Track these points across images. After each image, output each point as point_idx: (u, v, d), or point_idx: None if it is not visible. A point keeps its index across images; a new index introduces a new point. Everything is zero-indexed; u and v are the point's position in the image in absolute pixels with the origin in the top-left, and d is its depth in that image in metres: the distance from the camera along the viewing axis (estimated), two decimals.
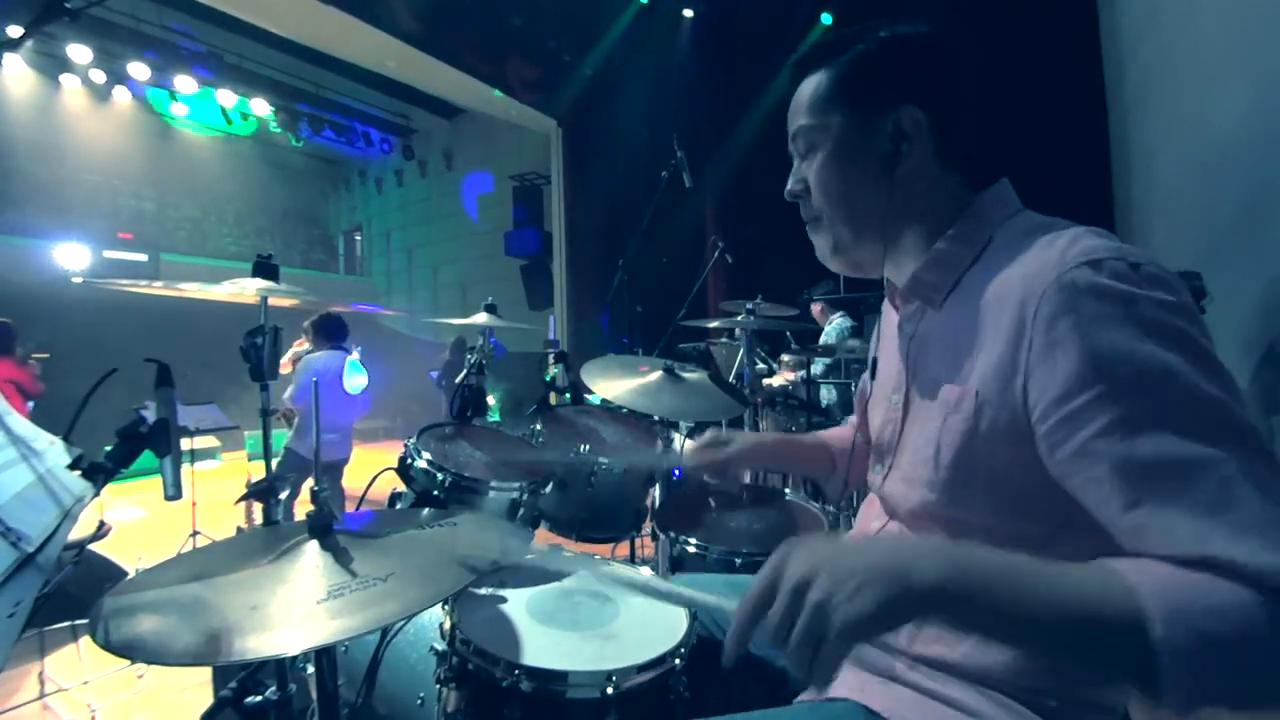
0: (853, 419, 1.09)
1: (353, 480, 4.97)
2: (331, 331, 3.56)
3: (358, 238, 13.42)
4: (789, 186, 0.81)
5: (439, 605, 0.97)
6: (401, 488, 1.41)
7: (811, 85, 0.76)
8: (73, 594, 2.16)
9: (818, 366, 3.80)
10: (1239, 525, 0.48)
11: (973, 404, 0.65)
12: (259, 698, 1.05)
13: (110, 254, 8.68)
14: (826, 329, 4.03)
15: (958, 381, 0.68)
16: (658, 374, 1.74)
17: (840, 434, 1.13)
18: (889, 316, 0.88)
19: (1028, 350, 0.60)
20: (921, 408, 0.74)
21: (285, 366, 3.63)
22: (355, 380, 3.66)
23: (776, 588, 0.51)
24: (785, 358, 3.75)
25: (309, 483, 3.52)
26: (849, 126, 0.74)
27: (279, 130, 8.97)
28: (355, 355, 3.72)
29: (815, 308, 4.15)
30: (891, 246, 0.77)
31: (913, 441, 0.74)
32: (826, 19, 4.93)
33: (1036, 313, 0.59)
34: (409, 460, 1.41)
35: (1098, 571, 0.51)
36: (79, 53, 6.66)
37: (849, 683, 0.78)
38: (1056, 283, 0.58)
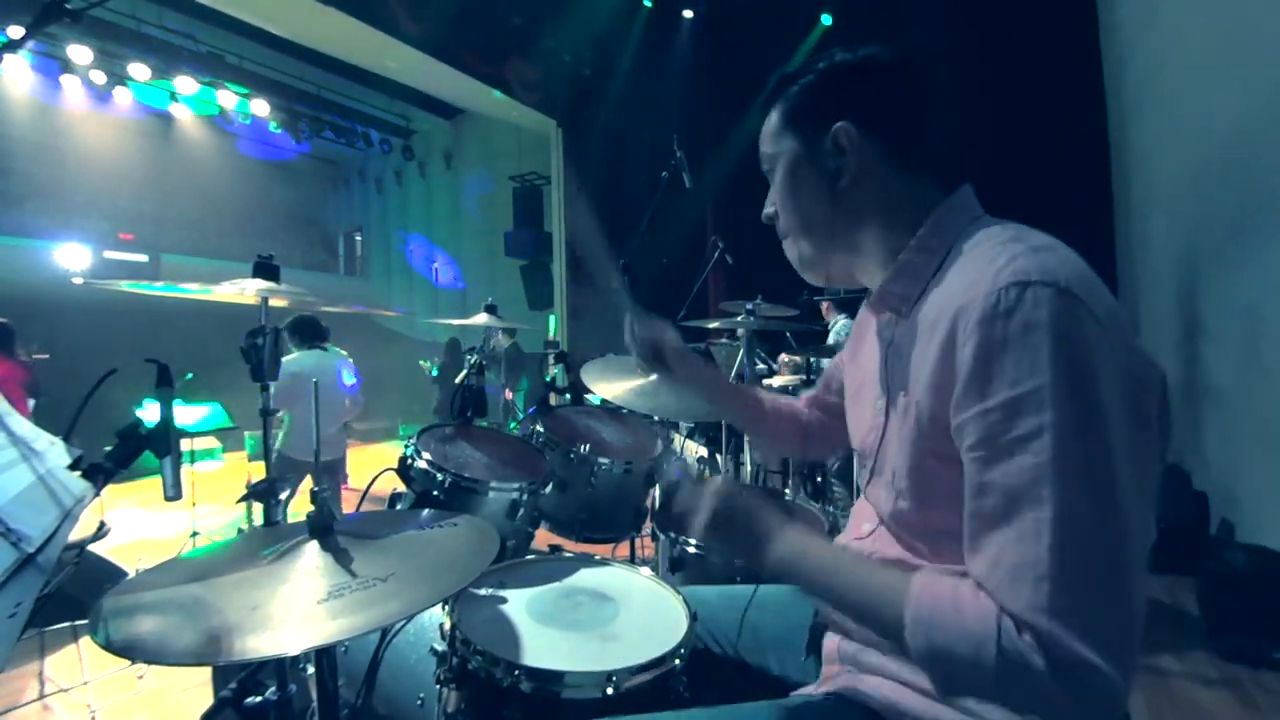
0: (810, 393, 1.14)
1: (353, 479, 4.98)
2: (308, 332, 3.54)
3: (358, 238, 13.41)
4: (765, 210, 0.87)
5: (439, 605, 0.97)
6: (401, 488, 1.41)
7: (771, 118, 0.83)
8: (73, 594, 2.16)
9: (825, 364, 3.79)
10: (1021, 568, 0.55)
11: (915, 413, 0.68)
12: (259, 698, 1.05)
13: (110, 254, 8.67)
14: (832, 329, 4.03)
15: (909, 392, 0.70)
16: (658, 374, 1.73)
17: (789, 401, 1.16)
18: (867, 321, 0.90)
19: (955, 364, 0.62)
20: (894, 416, 0.75)
21: None
22: (347, 378, 3.66)
23: (697, 498, 0.74)
24: (785, 358, 3.75)
25: (304, 485, 3.52)
26: (796, 149, 0.80)
27: (278, 129, 8.96)
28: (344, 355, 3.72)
29: (824, 305, 4.16)
30: (855, 255, 0.80)
31: (888, 449, 0.76)
32: (826, 19, 4.93)
33: (963, 328, 0.61)
34: (409, 460, 1.42)
35: (895, 581, 0.62)
36: (79, 53, 6.65)
37: (846, 678, 0.78)
38: (982, 301, 0.59)
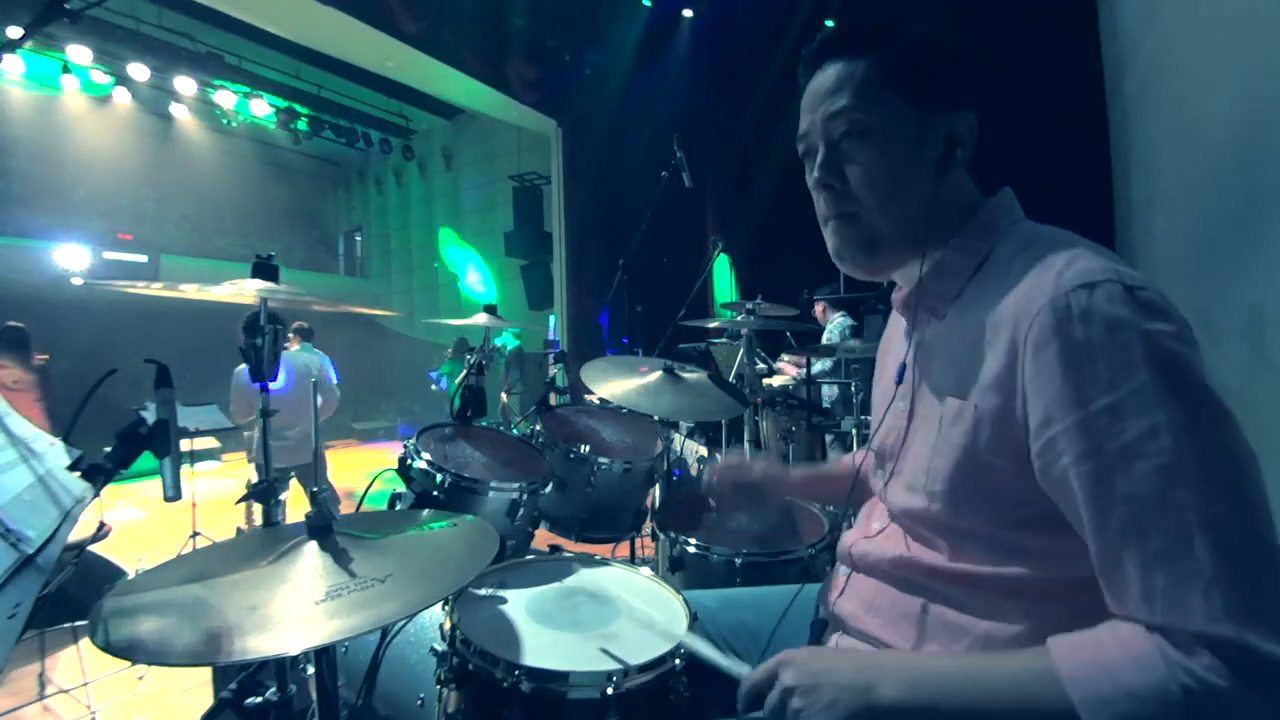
0: None
1: (353, 480, 4.97)
2: (302, 333, 3.59)
3: (358, 238, 13.40)
4: (817, 175, 0.74)
5: (439, 605, 0.97)
6: (401, 488, 1.41)
7: (854, 69, 0.71)
8: (73, 595, 2.17)
9: (817, 365, 3.79)
10: (1182, 581, 0.50)
11: (972, 418, 0.65)
12: (259, 698, 1.05)
13: (110, 255, 8.67)
14: (828, 328, 4.03)
15: (958, 395, 0.68)
16: (658, 374, 1.74)
17: (845, 462, 1.13)
18: (896, 321, 0.88)
19: (1021, 371, 0.60)
20: (924, 417, 0.74)
21: None
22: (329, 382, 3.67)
23: (772, 685, 0.63)
24: (785, 357, 3.75)
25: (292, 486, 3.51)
26: (904, 119, 0.71)
27: (278, 130, 8.97)
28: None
29: (818, 307, 4.15)
30: (914, 250, 0.74)
31: (914, 449, 0.74)
32: (829, 25, 4.92)
33: (1028, 334, 0.59)
34: (409, 460, 1.42)
35: (1035, 664, 0.55)
36: (79, 53, 6.65)
37: None
38: (1050, 305, 0.58)
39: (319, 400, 3.58)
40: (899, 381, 0.80)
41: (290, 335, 3.72)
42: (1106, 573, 0.55)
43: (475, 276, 9.76)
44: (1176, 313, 0.57)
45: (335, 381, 3.72)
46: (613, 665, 0.86)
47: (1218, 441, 0.53)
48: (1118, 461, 0.53)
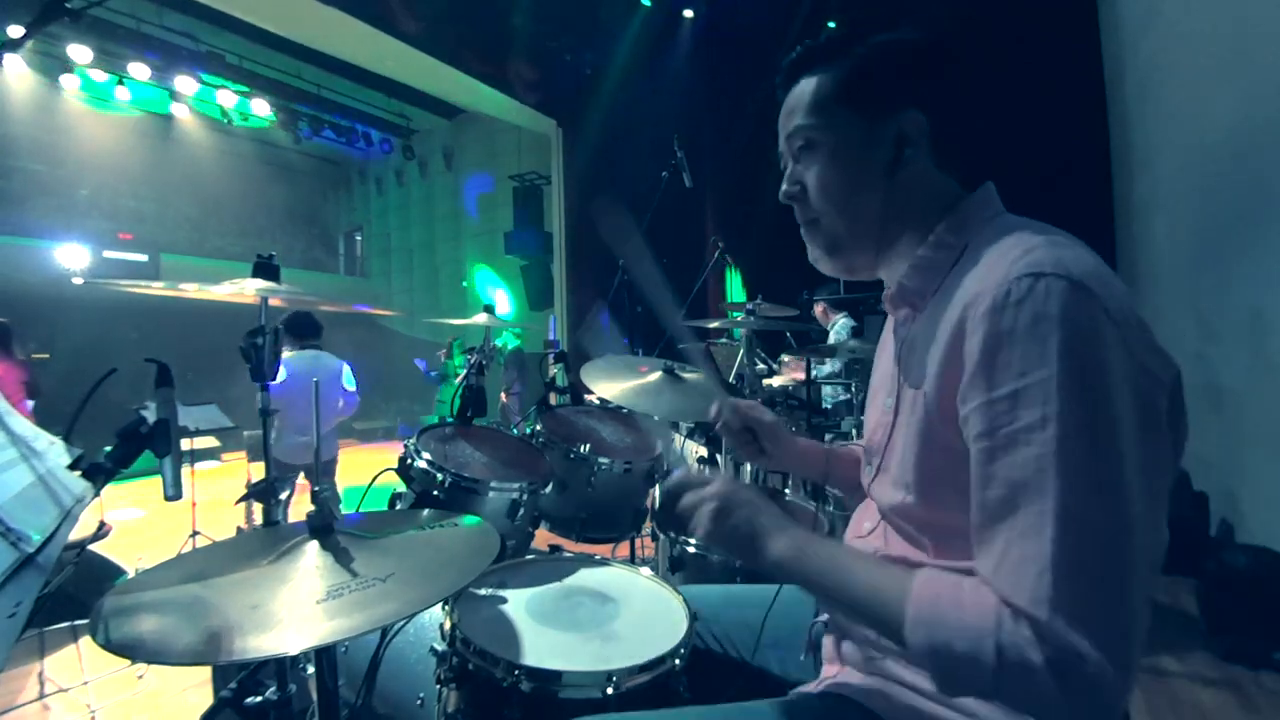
0: None
1: (353, 480, 4.96)
2: (304, 329, 3.43)
3: (358, 238, 13.40)
4: (784, 188, 0.81)
5: (439, 605, 0.97)
6: (401, 488, 1.41)
7: (812, 85, 0.76)
8: (73, 594, 2.17)
9: (827, 366, 3.79)
10: (1025, 560, 0.54)
11: (923, 406, 0.67)
12: (259, 698, 1.05)
13: (110, 254, 8.66)
14: (833, 330, 4.02)
15: (920, 384, 0.69)
16: (658, 374, 1.74)
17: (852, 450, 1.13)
18: (890, 320, 0.89)
19: (963, 355, 0.61)
20: (903, 412, 0.75)
21: None
22: (344, 383, 3.62)
23: (695, 493, 0.74)
24: (785, 358, 3.74)
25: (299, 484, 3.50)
26: (852, 128, 0.74)
27: (278, 130, 8.97)
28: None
29: (818, 308, 4.15)
30: (886, 250, 0.78)
31: (897, 445, 0.75)
32: (832, 26, 4.91)
33: (972, 318, 0.61)
34: (409, 460, 1.42)
35: (896, 579, 0.62)
36: (79, 53, 6.66)
37: (843, 679, 0.78)
38: (993, 291, 0.59)
39: (339, 403, 3.59)
40: (893, 375, 0.80)
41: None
42: (977, 541, 0.60)
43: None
44: (1118, 318, 0.57)
45: (353, 388, 3.68)
46: (613, 665, 0.86)
47: (1105, 445, 0.55)
48: (1005, 444, 0.57)
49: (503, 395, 6.90)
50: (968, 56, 0.74)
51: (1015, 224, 0.69)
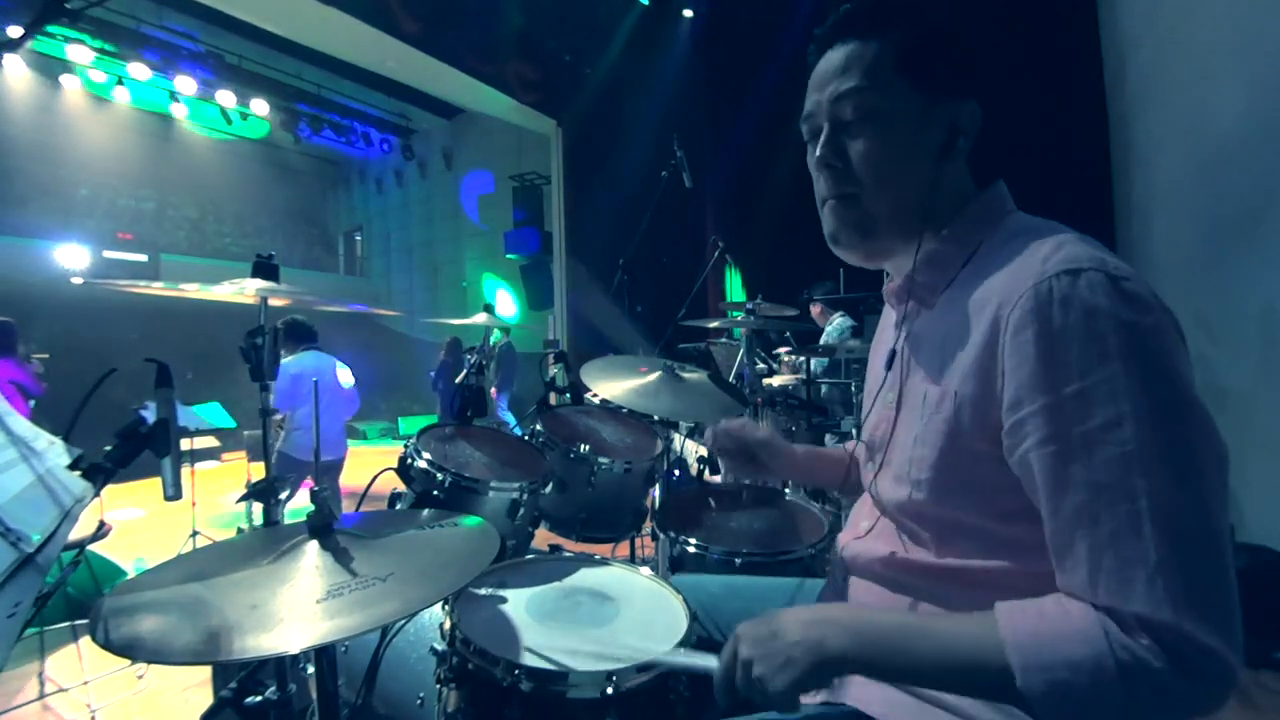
0: None
1: (353, 480, 4.96)
2: (301, 335, 3.56)
3: (358, 238, 13.41)
4: (821, 153, 0.73)
5: (439, 605, 0.97)
6: (401, 488, 1.41)
7: (870, 50, 0.71)
8: (73, 594, 2.17)
9: (822, 363, 3.79)
10: (1129, 564, 0.52)
11: (952, 405, 0.66)
12: (259, 698, 1.05)
13: (110, 254, 8.68)
14: (827, 329, 4.02)
15: (942, 381, 0.68)
16: (658, 374, 1.74)
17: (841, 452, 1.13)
18: (887, 313, 0.88)
19: (1001, 354, 0.60)
20: (911, 407, 0.74)
21: None
22: (346, 379, 3.67)
23: (735, 666, 0.64)
24: (785, 357, 3.74)
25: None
26: (912, 104, 0.70)
27: (278, 130, 8.98)
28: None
29: (814, 308, 4.14)
30: (915, 237, 0.73)
31: (901, 440, 0.74)
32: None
33: (1009, 318, 0.59)
34: (409, 460, 1.41)
35: (978, 626, 0.57)
36: (79, 53, 6.66)
37: (846, 687, 0.78)
38: (1032, 290, 0.58)
39: (345, 401, 3.64)
40: (888, 370, 0.80)
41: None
42: (1058, 552, 0.57)
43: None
44: (1160, 306, 0.57)
45: (351, 384, 3.74)
46: (613, 665, 0.86)
47: (1181, 436, 0.53)
48: (1080, 447, 0.54)
49: (492, 391, 6.87)
50: (998, 57, 0.74)
51: (1031, 222, 0.69)
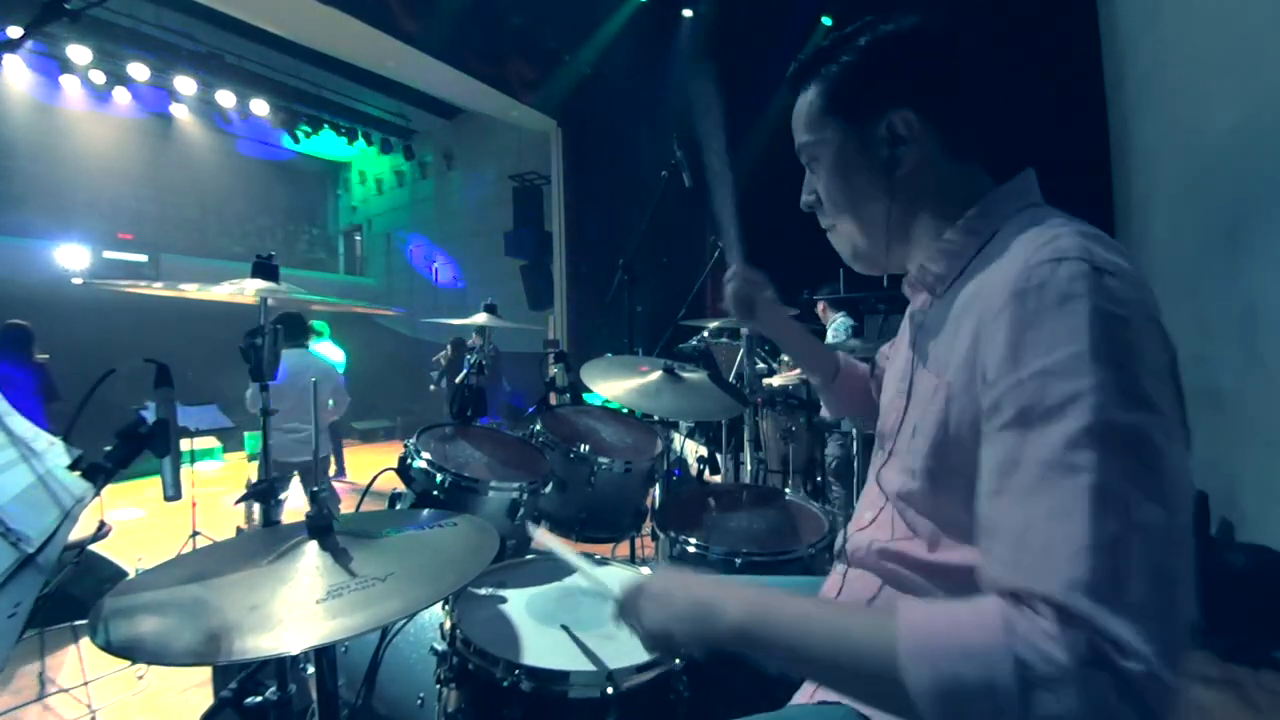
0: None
1: (352, 479, 4.96)
2: (293, 330, 3.49)
3: (358, 238, 13.41)
4: (803, 198, 0.84)
5: (439, 605, 0.97)
6: (401, 488, 1.41)
7: (805, 101, 0.78)
8: (73, 594, 2.17)
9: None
10: (1055, 544, 0.48)
11: (944, 395, 0.66)
12: (259, 698, 1.05)
13: (110, 254, 8.67)
14: (830, 328, 4.03)
15: (937, 371, 0.69)
16: (658, 374, 1.74)
17: (860, 365, 1.20)
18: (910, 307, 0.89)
19: (986, 342, 0.60)
20: (918, 397, 0.74)
21: None
22: (329, 378, 3.65)
23: (635, 595, 0.67)
24: (785, 357, 3.74)
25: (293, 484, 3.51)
26: (844, 138, 0.76)
27: (278, 130, 8.98)
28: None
29: (819, 307, 4.16)
30: (909, 245, 0.78)
31: (908, 430, 0.75)
32: (827, 21, 4.92)
33: (995, 306, 0.60)
34: (409, 460, 1.42)
35: (879, 616, 0.55)
36: (78, 53, 6.66)
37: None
38: (1016, 277, 0.58)
39: (329, 402, 3.62)
40: (910, 363, 0.80)
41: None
42: (986, 533, 0.54)
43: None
44: (1139, 301, 0.56)
45: (341, 383, 3.72)
46: (613, 665, 0.86)
47: (1141, 422, 0.50)
48: (1037, 424, 0.52)
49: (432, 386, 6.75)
50: (957, 44, 0.73)
51: (1046, 214, 0.68)
